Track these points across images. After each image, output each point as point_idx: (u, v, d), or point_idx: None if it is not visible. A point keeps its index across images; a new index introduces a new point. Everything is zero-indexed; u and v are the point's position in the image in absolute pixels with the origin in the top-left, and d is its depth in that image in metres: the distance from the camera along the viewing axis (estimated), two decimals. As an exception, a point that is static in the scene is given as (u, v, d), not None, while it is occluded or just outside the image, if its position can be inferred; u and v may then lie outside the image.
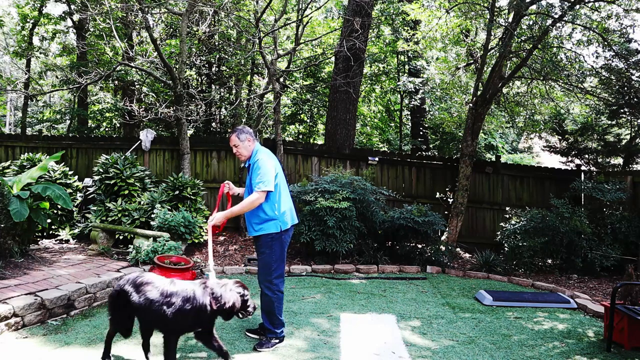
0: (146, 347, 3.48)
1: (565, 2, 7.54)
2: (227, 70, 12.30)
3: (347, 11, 10.03)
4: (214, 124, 12.74)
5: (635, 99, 8.20)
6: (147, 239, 6.14)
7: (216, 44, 11.69)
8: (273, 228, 3.97)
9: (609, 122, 9.72)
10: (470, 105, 8.46)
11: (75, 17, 12.11)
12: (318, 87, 12.41)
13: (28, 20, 12.19)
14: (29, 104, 14.11)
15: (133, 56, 9.15)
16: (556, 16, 7.54)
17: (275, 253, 3.99)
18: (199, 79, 12.83)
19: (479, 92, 8.45)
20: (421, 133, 13.61)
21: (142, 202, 7.33)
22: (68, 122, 13.95)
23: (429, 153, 13.36)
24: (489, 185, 9.56)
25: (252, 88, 12.74)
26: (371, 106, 15.82)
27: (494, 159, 11.08)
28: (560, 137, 10.67)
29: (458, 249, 8.57)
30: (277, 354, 3.81)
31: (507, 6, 8.12)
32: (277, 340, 4.02)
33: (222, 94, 12.97)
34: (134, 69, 10.38)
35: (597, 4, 7.78)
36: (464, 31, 9.49)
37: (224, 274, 6.60)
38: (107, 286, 5.03)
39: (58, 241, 7.40)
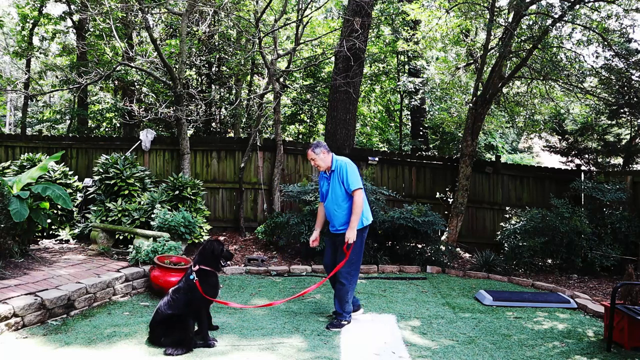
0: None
1: (565, 2, 7.54)
2: (227, 70, 12.30)
3: (347, 11, 10.03)
4: (214, 124, 12.74)
5: (635, 99, 8.20)
6: (147, 239, 6.14)
7: (216, 44, 11.69)
8: (359, 224, 4.42)
9: (609, 122, 9.73)
10: (470, 105, 8.46)
11: (75, 17, 12.11)
12: (318, 87, 12.40)
13: (28, 20, 12.18)
14: (29, 104, 14.13)
15: (133, 56, 9.14)
16: (556, 16, 7.55)
17: (360, 247, 4.48)
18: (199, 79, 12.83)
19: (479, 92, 8.45)
20: (421, 133, 13.61)
21: (142, 202, 7.33)
22: (68, 122, 13.94)
23: (429, 153, 13.36)
24: (489, 185, 9.56)
25: (252, 88, 12.74)
26: (371, 106, 15.82)
27: (494, 159, 11.08)
28: (560, 137, 10.67)
29: (458, 249, 8.56)
30: (277, 354, 3.81)
31: (507, 6, 8.12)
32: (345, 322, 4.53)
33: (222, 94, 12.97)
34: (134, 69, 10.38)
35: (597, 4, 7.78)
36: (464, 31, 9.49)
37: (224, 274, 6.60)
38: (107, 286, 5.03)
39: (58, 241, 7.40)
